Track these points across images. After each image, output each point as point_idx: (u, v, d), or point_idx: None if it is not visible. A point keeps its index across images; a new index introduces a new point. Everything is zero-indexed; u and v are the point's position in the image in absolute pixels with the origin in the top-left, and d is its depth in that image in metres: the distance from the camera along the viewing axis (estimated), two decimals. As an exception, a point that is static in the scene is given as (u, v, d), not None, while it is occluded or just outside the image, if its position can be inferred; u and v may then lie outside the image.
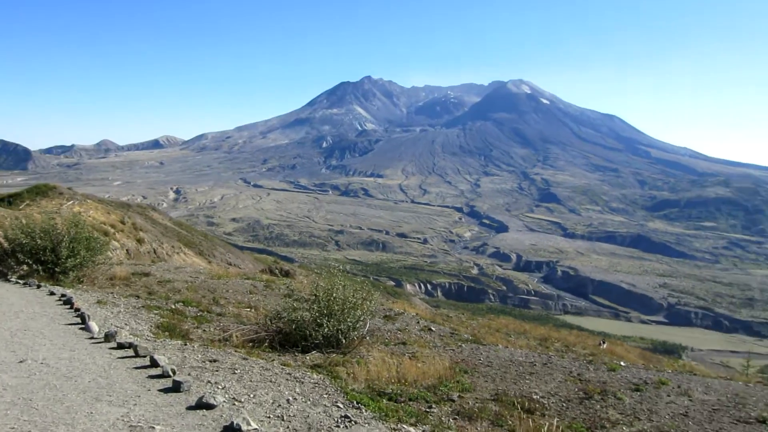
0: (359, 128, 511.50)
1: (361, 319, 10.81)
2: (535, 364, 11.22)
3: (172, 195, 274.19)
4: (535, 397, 8.72)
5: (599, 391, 9.26)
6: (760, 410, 9.16)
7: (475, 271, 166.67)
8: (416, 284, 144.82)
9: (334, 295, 10.65)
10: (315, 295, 10.88)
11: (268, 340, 10.50)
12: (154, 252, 32.70)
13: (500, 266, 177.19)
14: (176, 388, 6.69)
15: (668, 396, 9.71)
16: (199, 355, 8.68)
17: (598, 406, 8.63)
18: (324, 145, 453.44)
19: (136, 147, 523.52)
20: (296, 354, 9.97)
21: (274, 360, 9.14)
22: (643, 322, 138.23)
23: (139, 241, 32.07)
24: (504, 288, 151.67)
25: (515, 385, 9.44)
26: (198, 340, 10.28)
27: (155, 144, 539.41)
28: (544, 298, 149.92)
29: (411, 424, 6.69)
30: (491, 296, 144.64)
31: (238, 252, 59.92)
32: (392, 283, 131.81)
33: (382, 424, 6.50)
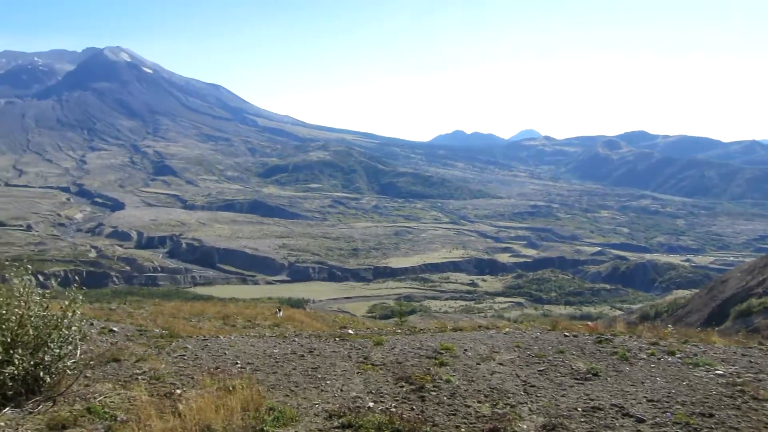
0: None
1: (70, 340, 6.97)
2: (302, 356, 9.45)
3: None
4: (413, 410, 6.76)
5: (428, 379, 7.94)
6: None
7: (93, 254, 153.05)
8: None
9: (22, 312, 6.55)
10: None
11: None
12: None
13: (121, 246, 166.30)
14: None
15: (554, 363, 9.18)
16: None
17: (444, 397, 7.33)
18: None
19: None
20: None
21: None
22: (268, 283, 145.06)
23: None
24: (128, 268, 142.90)
25: (326, 393, 7.46)
26: None
27: None
28: (172, 273, 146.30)
29: None
30: (115, 279, 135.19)
31: None
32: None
33: None
